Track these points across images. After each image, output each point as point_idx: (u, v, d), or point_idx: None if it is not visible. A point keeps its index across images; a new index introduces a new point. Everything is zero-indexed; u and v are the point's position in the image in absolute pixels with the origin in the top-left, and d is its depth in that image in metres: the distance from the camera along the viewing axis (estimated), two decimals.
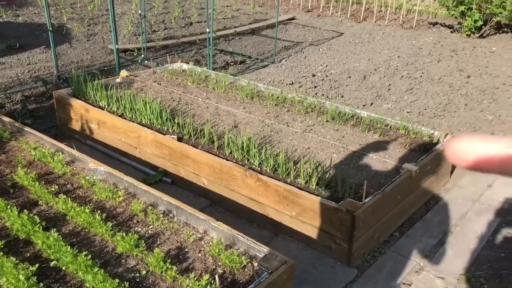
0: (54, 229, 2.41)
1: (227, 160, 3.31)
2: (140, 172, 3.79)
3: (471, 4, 8.13)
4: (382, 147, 3.57)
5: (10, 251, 2.28)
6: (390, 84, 5.95)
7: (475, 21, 8.14)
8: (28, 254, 2.29)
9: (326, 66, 6.73)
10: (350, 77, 6.22)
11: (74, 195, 2.82)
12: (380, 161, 3.36)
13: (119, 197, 2.80)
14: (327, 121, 3.97)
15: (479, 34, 8.35)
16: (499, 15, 8.10)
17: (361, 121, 3.95)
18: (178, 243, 2.45)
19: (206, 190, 3.45)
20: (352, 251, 2.76)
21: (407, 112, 5.16)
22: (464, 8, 8.21)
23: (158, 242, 2.46)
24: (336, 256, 2.83)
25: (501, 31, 8.69)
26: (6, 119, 3.78)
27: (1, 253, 2.19)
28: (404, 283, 2.72)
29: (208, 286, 2.07)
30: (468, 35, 8.38)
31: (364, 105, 5.32)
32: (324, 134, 3.74)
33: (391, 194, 3.00)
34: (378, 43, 8.00)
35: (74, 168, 3.16)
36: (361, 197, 2.84)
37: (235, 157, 3.37)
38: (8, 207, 2.56)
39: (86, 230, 2.50)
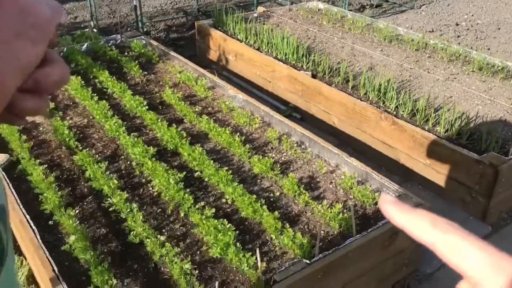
0: (198, 145, 2.59)
1: (361, 100, 3.24)
2: (271, 106, 3.87)
3: None
4: None
5: (160, 158, 2.51)
6: None
7: None
8: (175, 163, 2.51)
9: (472, 15, 6.15)
10: (499, 28, 5.63)
11: (214, 117, 2.99)
12: None
13: (255, 123, 2.91)
14: (473, 71, 3.67)
15: None
16: None
17: None
18: (310, 173, 2.51)
19: (336, 129, 3.44)
20: (489, 207, 2.61)
21: None
22: None
23: (291, 168, 2.53)
24: (470, 210, 2.69)
25: None
26: (154, 43, 4.06)
27: (154, 159, 2.42)
28: None
29: (340, 214, 2.11)
30: None
31: None
32: (469, 84, 3.47)
33: None
34: None
35: (215, 94, 3.33)
36: (507, 153, 2.63)
37: (370, 98, 3.29)
38: (159, 121, 2.80)
39: (226, 149, 2.66)
